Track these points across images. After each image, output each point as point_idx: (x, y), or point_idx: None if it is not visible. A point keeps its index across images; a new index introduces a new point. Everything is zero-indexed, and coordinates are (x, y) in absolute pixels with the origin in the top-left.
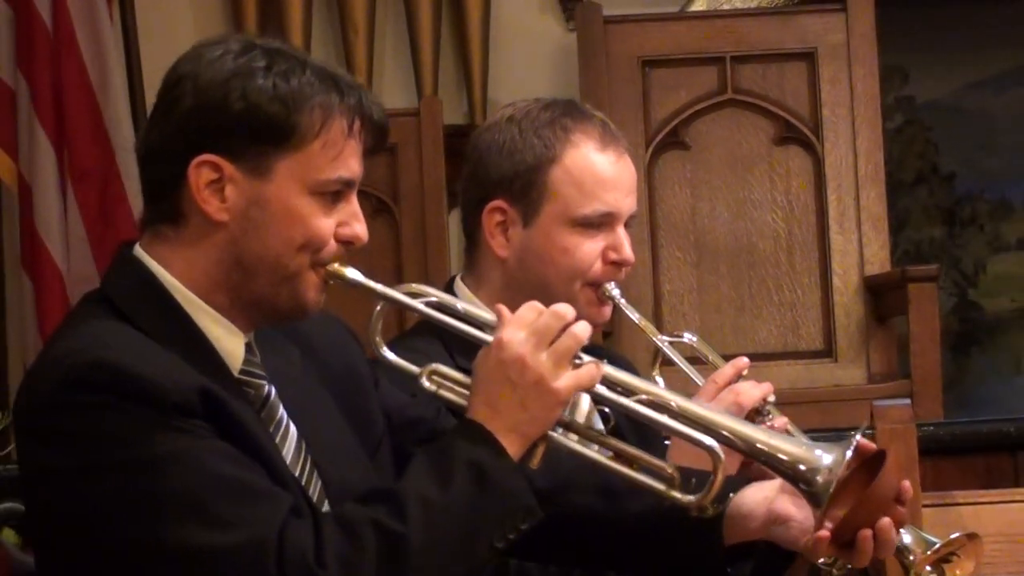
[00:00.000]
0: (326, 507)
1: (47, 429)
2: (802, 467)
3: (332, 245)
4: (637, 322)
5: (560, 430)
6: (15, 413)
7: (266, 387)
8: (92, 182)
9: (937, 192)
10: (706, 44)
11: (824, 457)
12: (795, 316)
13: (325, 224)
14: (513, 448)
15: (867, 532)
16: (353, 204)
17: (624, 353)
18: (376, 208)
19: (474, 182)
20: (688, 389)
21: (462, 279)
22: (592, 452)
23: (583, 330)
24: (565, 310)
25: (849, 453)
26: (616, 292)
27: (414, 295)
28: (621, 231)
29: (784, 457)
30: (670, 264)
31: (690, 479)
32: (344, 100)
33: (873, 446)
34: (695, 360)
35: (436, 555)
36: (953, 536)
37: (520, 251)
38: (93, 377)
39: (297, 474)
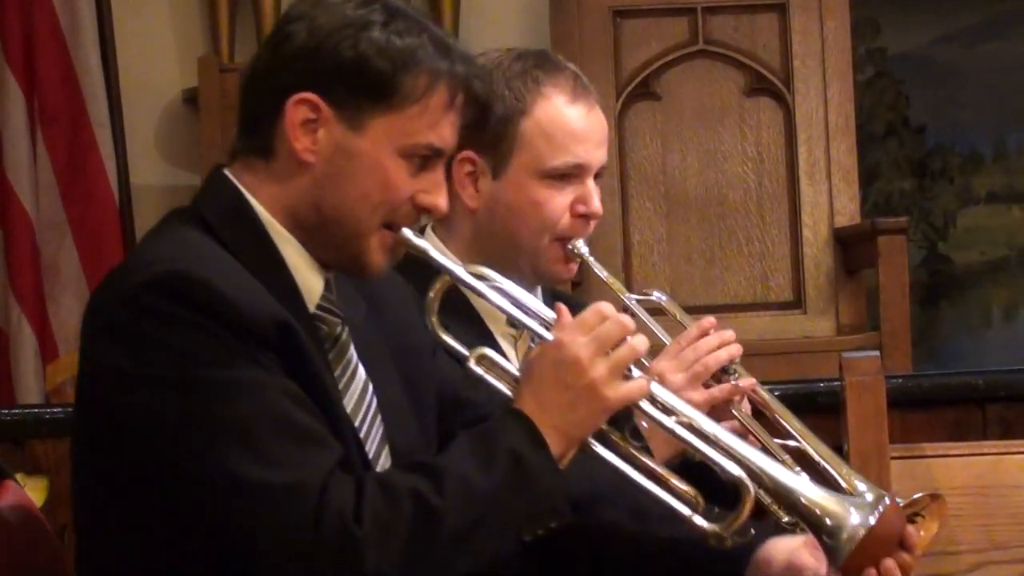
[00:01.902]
0: (385, 456)
1: (120, 328)
2: (829, 521)
3: (407, 209)
4: (605, 279)
5: (597, 439)
6: (89, 310)
7: (340, 326)
8: (61, 128)
9: (907, 144)
10: None
11: (852, 515)
12: (764, 267)
13: (405, 187)
14: (555, 447)
15: (872, 572)
16: (438, 174)
17: None
18: None
19: None
20: (653, 347)
21: (433, 229)
22: (623, 464)
23: (641, 343)
24: (627, 321)
25: (876, 516)
26: (584, 250)
27: (479, 277)
28: (591, 183)
29: (817, 510)
30: (640, 215)
31: (712, 509)
32: (453, 70)
33: (902, 521)
34: (660, 314)
35: (466, 535)
36: (917, 496)
37: (490, 202)
38: (177, 286)
39: (358, 422)
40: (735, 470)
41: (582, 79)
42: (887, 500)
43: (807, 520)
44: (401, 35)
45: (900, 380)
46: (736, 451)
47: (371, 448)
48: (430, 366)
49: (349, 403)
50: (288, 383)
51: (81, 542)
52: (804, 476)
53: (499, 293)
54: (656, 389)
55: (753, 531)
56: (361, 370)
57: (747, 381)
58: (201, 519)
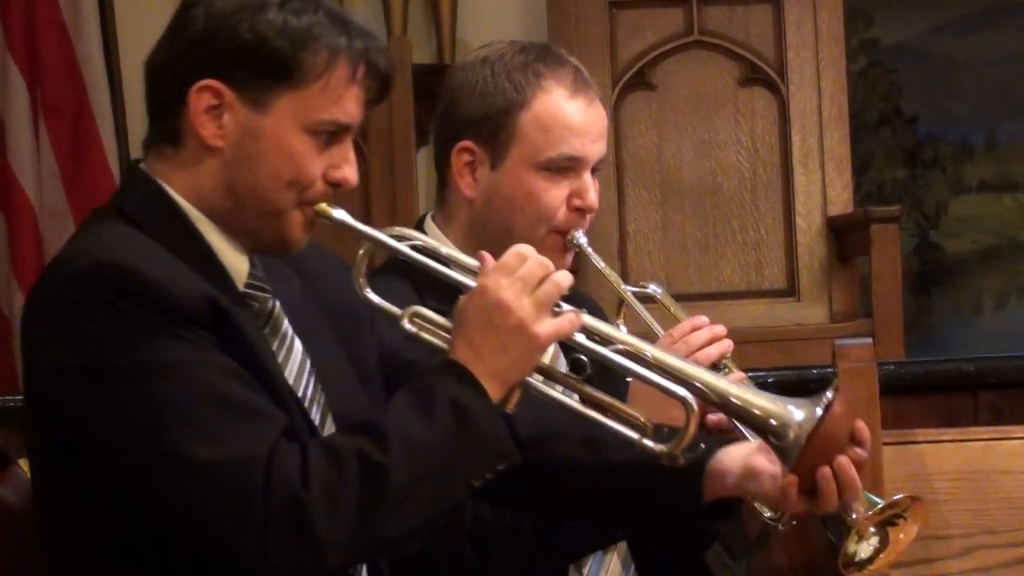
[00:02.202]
0: (329, 423)
1: (52, 325)
2: (773, 422)
3: (320, 185)
4: (603, 271)
5: (537, 376)
6: (24, 313)
7: (271, 301)
8: (64, 118)
9: (900, 134)
10: None
11: (796, 413)
12: (759, 255)
13: (315, 163)
14: (494, 391)
15: (826, 470)
16: (346, 148)
17: None
18: None
19: (445, 121)
20: (647, 338)
21: (432, 217)
22: (568, 399)
23: (564, 278)
24: (545, 261)
25: (819, 411)
26: (583, 240)
27: (399, 238)
28: (587, 177)
29: (757, 411)
30: (635, 204)
31: (662, 430)
32: (351, 45)
33: (839, 402)
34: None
35: (415, 487)
36: (896, 497)
37: (487, 193)
38: (102, 276)
39: (301, 392)
40: (678, 389)
41: (583, 73)
42: (829, 394)
43: (753, 425)
44: (297, 14)
45: (892, 367)
46: (676, 369)
47: (315, 416)
48: (369, 333)
49: (290, 375)
50: (224, 359)
51: (45, 535)
52: (748, 385)
53: (419, 251)
54: (589, 320)
55: (703, 445)
56: (298, 342)
57: (736, 375)
58: (154, 502)
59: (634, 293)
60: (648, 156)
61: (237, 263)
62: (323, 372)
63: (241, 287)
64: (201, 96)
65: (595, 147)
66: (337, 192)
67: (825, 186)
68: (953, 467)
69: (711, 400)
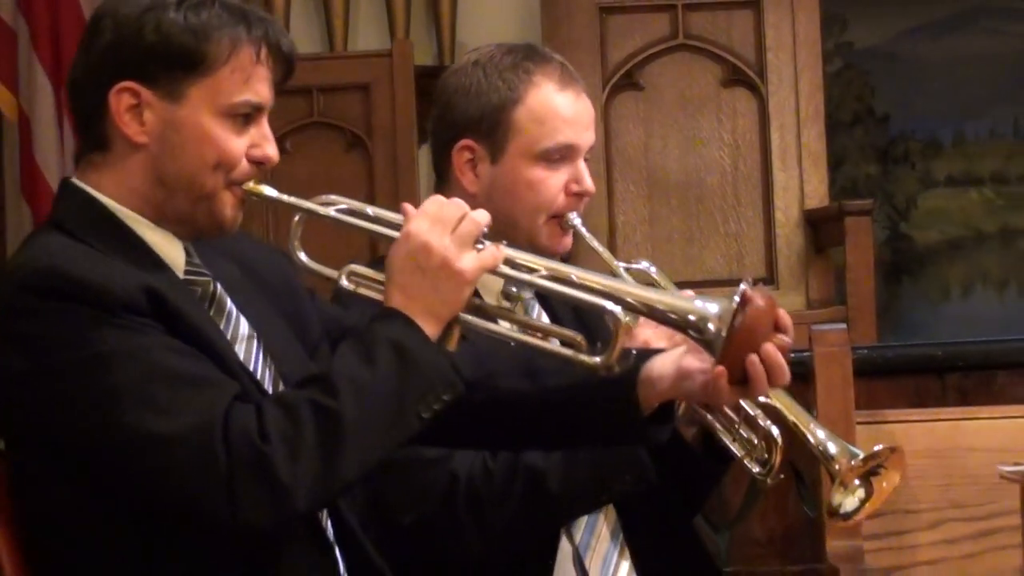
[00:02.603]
0: (280, 389)
1: (5, 331)
2: (692, 318)
3: (244, 165)
4: (597, 249)
5: (472, 314)
6: None
7: (212, 284)
8: None
9: (872, 132)
10: None
11: (712, 307)
12: (739, 246)
13: (236, 145)
14: (430, 329)
15: (753, 357)
16: (264, 128)
17: None
18: (350, 143)
19: (443, 123)
20: None
21: None
22: (504, 328)
23: (482, 216)
24: (459, 201)
25: (736, 300)
26: (577, 221)
27: (327, 204)
28: (581, 164)
29: (678, 311)
30: (624, 197)
31: (596, 344)
32: (252, 31)
33: (757, 297)
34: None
35: (368, 426)
36: (877, 448)
37: (488, 186)
38: (42, 283)
39: (252, 366)
40: (605, 303)
41: (568, 68)
42: (743, 286)
43: (677, 325)
44: (196, 10)
45: (865, 351)
46: (601, 284)
47: (268, 386)
48: (310, 306)
49: (239, 350)
50: (169, 339)
51: (31, 528)
52: (669, 291)
53: (345, 213)
54: (511, 252)
55: (635, 352)
56: (244, 320)
57: (687, 294)
58: (126, 481)
59: (626, 270)
60: (636, 152)
61: (173, 253)
62: (270, 344)
63: (181, 275)
64: (121, 98)
65: (587, 135)
66: (261, 170)
67: (802, 181)
68: (922, 446)
69: (636, 309)
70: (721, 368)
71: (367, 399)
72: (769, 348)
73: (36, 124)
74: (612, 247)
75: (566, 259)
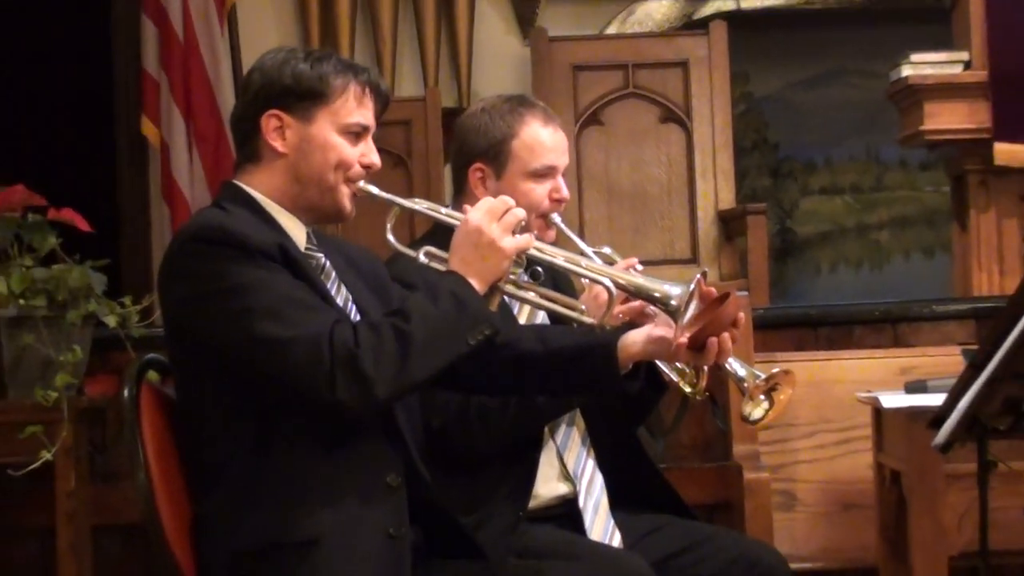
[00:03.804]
0: None
1: (177, 269)
2: (657, 295)
3: (357, 168)
4: (572, 238)
5: (509, 286)
6: (161, 267)
7: (323, 259)
8: (209, 143)
9: (767, 156)
10: (616, 56)
11: (675, 289)
12: (672, 236)
13: (351, 152)
14: (479, 287)
15: (713, 339)
16: (370, 143)
17: None
18: (395, 163)
19: (460, 152)
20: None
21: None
22: (530, 296)
23: (520, 212)
24: (509, 200)
25: (692, 286)
26: (558, 219)
27: (415, 201)
28: (560, 179)
29: (652, 292)
30: (590, 203)
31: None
32: (359, 76)
33: (710, 289)
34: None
35: (432, 343)
36: (775, 370)
37: (495, 196)
38: (202, 233)
39: (346, 314)
40: (603, 279)
41: (549, 111)
42: (698, 275)
43: (651, 299)
44: (319, 61)
45: (761, 311)
46: (600, 269)
47: None
48: (392, 290)
49: (339, 303)
50: (292, 279)
51: (190, 416)
52: (646, 276)
53: (426, 206)
54: (539, 244)
55: (623, 322)
56: (344, 287)
57: (631, 260)
58: (260, 372)
59: (594, 252)
60: (599, 171)
61: (298, 233)
62: (361, 306)
63: (303, 250)
64: (269, 122)
65: (564, 158)
66: (369, 173)
67: (717, 190)
68: (801, 379)
69: (623, 287)
70: (685, 340)
71: (431, 325)
72: (724, 335)
73: (173, 149)
74: (582, 236)
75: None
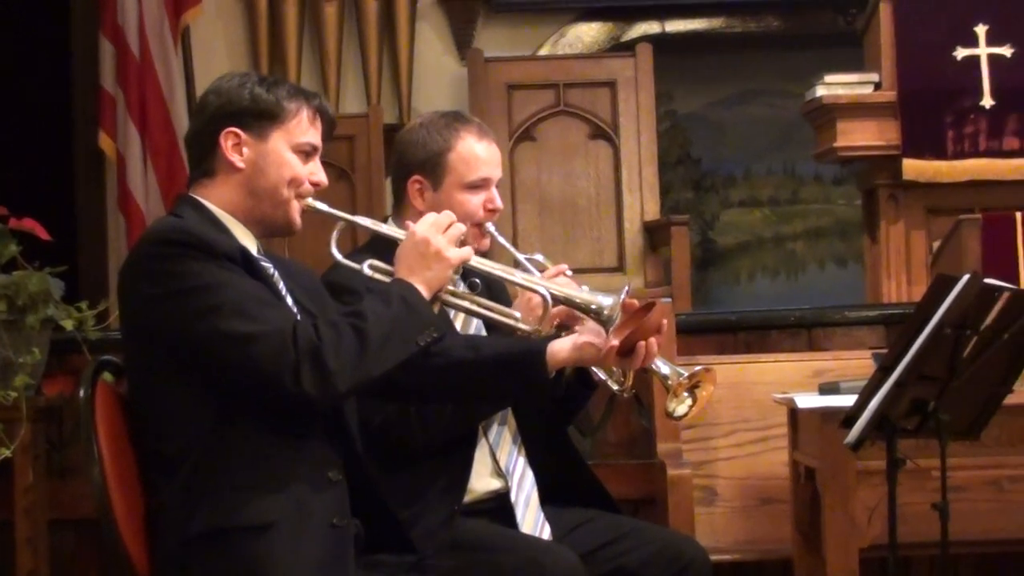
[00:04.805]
0: None
1: (143, 271)
2: (593, 306)
3: (307, 185)
4: (506, 246)
5: (448, 295)
6: (121, 271)
7: (272, 268)
8: (163, 156)
9: (690, 170)
10: (548, 76)
11: (606, 299)
12: (601, 246)
13: (302, 170)
14: (425, 293)
15: (641, 344)
16: (318, 163)
17: None
18: (339, 176)
19: (400, 165)
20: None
21: (392, 220)
22: (468, 304)
23: (462, 225)
24: (452, 214)
25: (622, 296)
26: (493, 228)
27: (355, 214)
28: (494, 190)
29: (584, 302)
30: (523, 214)
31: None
32: (310, 101)
33: (635, 302)
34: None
35: (385, 342)
36: (697, 368)
37: (432, 207)
38: (170, 236)
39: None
40: (539, 288)
41: (484, 126)
42: (627, 287)
43: (582, 309)
44: (274, 85)
45: (684, 317)
46: (535, 280)
47: None
48: (329, 301)
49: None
50: (254, 281)
51: (147, 417)
52: (577, 287)
53: (370, 222)
54: (477, 257)
55: (545, 335)
56: (289, 296)
57: (561, 267)
58: (228, 367)
59: (527, 259)
60: (532, 183)
61: (250, 245)
62: (305, 313)
63: (255, 255)
64: (227, 138)
65: (497, 171)
66: (317, 190)
67: (642, 203)
68: (721, 380)
69: (557, 296)
70: (615, 344)
71: (385, 325)
72: (651, 341)
73: (128, 162)
74: (515, 246)
75: (485, 253)
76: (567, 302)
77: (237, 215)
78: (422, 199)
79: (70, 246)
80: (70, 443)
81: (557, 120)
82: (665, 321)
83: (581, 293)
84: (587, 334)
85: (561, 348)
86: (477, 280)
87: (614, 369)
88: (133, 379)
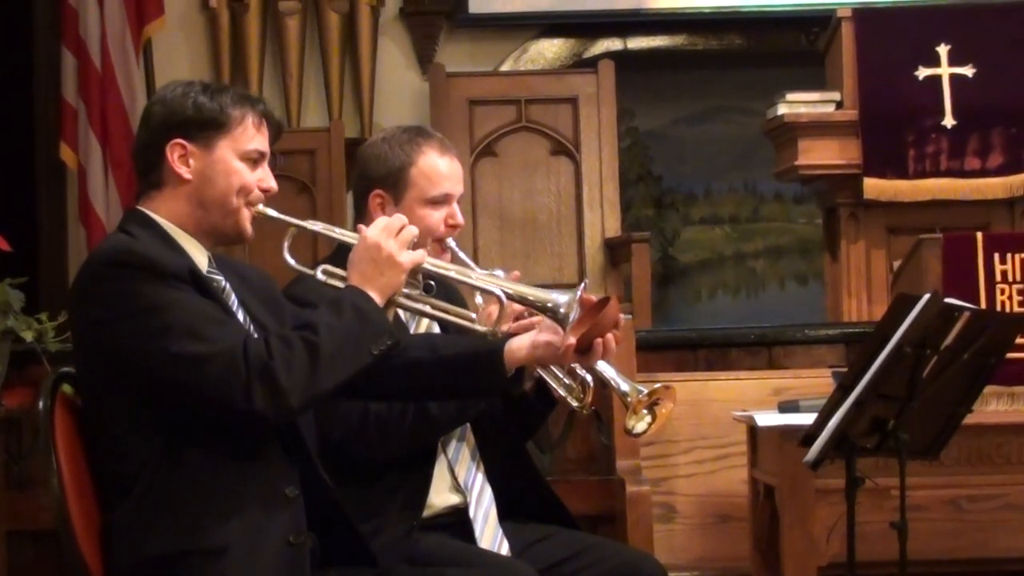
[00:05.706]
0: None
1: (91, 292)
2: (550, 304)
3: (257, 192)
4: (467, 261)
5: (403, 298)
6: (70, 292)
7: (223, 282)
8: (124, 168)
9: (651, 187)
10: (510, 91)
11: (562, 297)
12: (561, 262)
13: (251, 177)
14: (378, 299)
15: (599, 340)
16: (266, 168)
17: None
18: (301, 190)
19: (361, 179)
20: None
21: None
22: (423, 307)
23: (415, 229)
24: (403, 217)
25: (578, 294)
26: (453, 243)
27: (310, 222)
28: (455, 205)
29: (540, 300)
30: (483, 229)
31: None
32: (255, 107)
33: (592, 297)
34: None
35: (338, 355)
36: (657, 386)
37: None
38: (117, 257)
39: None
40: (495, 289)
41: (446, 141)
42: (583, 285)
43: (538, 307)
44: (218, 93)
45: (644, 333)
46: (491, 280)
47: None
48: (285, 306)
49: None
50: (203, 299)
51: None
52: (532, 287)
53: (322, 226)
54: (431, 259)
55: (502, 334)
56: (242, 309)
57: (514, 274)
58: (178, 388)
59: (486, 273)
60: (492, 199)
61: (201, 258)
62: (259, 323)
63: (205, 272)
64: (174, 149)
65: (459, 187)
66: (267, 196)
67: (603, 219)
68: (681, 397)
69: (512, 296)
70: (573, 342)
71: (337, 337)
72: (609, 337)
73: (89, 174)
74: (475, 261)
75: None
76: (523, 300)
77: (187, 227)
78: (384, 214)
79: (31, 257)
80: (29, 455)
81: (518, 136)
82: (621, 316)
83: (536, 291)
84: (545, 332)
85: (520, 346)
86: (432, 282)
87: (573, 385)
88: (86, 398)
